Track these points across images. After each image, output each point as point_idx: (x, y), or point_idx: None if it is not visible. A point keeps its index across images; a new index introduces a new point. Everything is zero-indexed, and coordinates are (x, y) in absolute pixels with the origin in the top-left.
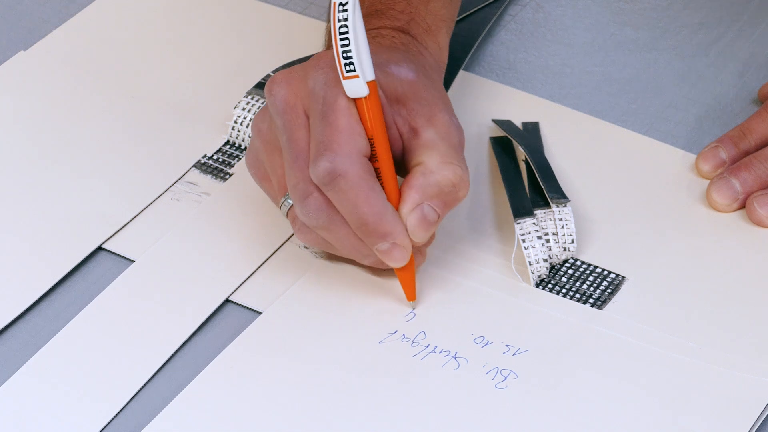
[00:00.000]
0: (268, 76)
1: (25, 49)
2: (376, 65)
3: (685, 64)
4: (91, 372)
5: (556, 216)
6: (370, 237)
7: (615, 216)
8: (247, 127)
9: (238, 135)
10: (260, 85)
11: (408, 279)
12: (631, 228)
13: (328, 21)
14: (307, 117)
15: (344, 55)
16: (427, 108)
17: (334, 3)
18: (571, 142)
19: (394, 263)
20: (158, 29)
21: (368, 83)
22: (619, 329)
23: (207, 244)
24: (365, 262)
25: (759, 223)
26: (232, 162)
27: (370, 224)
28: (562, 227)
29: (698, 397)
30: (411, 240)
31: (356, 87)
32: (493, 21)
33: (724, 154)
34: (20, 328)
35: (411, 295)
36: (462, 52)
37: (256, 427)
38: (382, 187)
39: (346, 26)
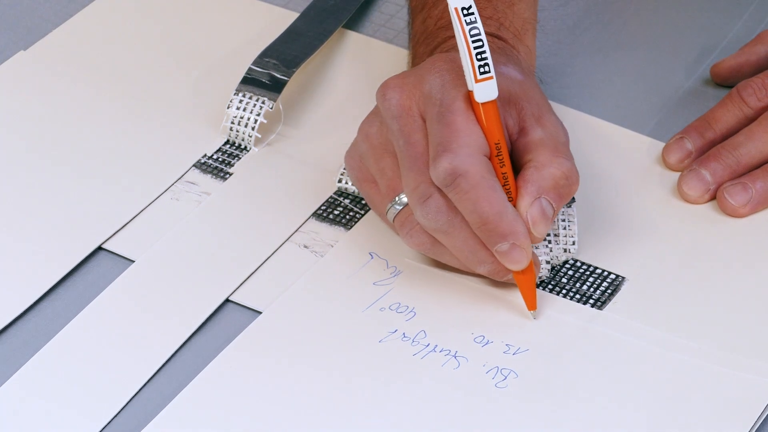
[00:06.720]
0: (251, 70)
1: (25, 49)
2: None
3: (685, 65)
4: (91, 372)
5: (559, 216)
6: (491, 237)
7: (615, 216)
8: (246, 126)
9: (238, 135)
10: (246, 81)
11: (528, 284)
12: (631, 228)
13: (410, 25)
14: (424, 120)
15: (479, 56)
16: (536, 108)
17: (456, 8)
18: (571, 142)
19: (515, 265)
20: (158, 29)
21: None
22: (619, 329)
23: (207, 244)
24: (480, 271)
25: (732, 214)
26: (232, 162)
27: (491, 223)
28: (565, 228)
29: (698, 397)
30: (531, 236)
31: (489, 89)
32: None
33: (690, 145)
34: (20, 328)
35: (532, 304)
36: None
37: (256, 427)
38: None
39: (477, 28)
